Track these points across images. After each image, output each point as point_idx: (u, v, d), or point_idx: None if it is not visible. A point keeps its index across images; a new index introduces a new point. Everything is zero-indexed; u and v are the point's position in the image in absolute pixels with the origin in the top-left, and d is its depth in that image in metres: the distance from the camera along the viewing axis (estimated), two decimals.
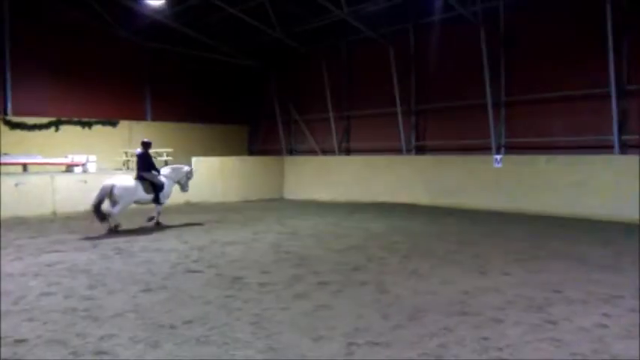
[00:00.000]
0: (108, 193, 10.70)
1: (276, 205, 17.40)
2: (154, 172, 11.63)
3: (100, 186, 10.89)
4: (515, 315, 5.21)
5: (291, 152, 22.11)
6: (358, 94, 19.21)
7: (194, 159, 17.19)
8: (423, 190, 16.13)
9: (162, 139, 19.57)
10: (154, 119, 21.14)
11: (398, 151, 17.70)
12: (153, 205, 11.85)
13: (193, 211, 15.13)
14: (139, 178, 11.38)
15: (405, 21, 16.93)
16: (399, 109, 17.25)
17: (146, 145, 11.82)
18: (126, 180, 11.20)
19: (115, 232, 10.67)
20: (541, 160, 13.64)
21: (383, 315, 5.27)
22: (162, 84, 21.09)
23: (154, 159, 12.08)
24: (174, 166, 12.64)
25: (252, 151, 23.93)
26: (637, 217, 11.47)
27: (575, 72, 13.37)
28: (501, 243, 9.40)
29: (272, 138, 22.86)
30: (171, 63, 21.27)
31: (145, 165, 11.59)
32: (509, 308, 5.44)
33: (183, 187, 12.41)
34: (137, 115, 20.75)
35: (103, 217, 10.62)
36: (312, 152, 20.91)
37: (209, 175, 17.71)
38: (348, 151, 19.89)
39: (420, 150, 17.41)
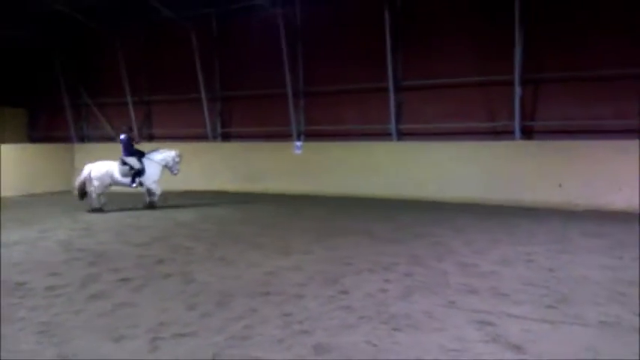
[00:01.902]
0: (87, 177, 12.10)
1: (67, 198, 15.57)
2: (132, 157, 12.28)
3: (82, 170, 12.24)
4: (314, 289, 5.68)
5: (83, 139, 20.00)
6: (161, 78, 18.24)
7: None
8: (230, 177, 16.27)
9: None
10: None
11: (204, 137, 17.45)
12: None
13: None
14: (121, 162, 12.22)
15: (209, 5, 16.62)
16: (203, 95, 16.97)
17: (127, 131, 12.92)
18: (101, 165, 12.21)
19: (96, 212, 11.84)
20: (336, 147, 14.96)
21: (189, 305, 5.21)
22: None
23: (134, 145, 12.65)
24: (162, 150, 12.93)
25: (33, 139, 20.89)
26: (412, 194, 13.48)
27: (364, 67, 14.86)
28: (303, 224, 10.07)
29: (59, 123, 20.30)
30: None
31: (126, 150, 12.32)
32: (309, 284, 5.89)
33: (172, 170, 12.68)
34: None
35: (83, 197, 12.20)
36: (109, 139, 19.23)
37: None
38: (150, 138, 18.84)
39: (226, 137, 17.46)
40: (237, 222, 10.49)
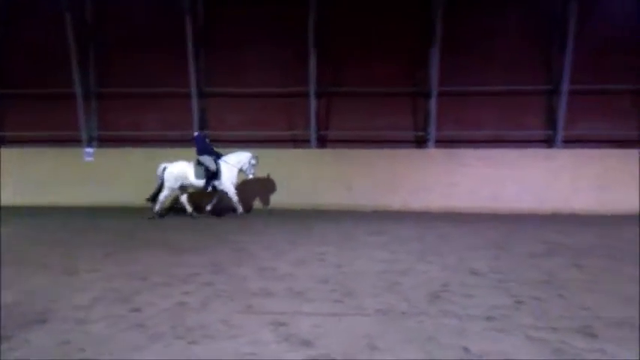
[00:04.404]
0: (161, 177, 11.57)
1: None
2: (208, 155, 11.59)
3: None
4: (101, 310, 5.19)
5: None
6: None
7: None
8: (6, 189, 13.95)
9: None
10: None
11: None
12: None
13: None
14: (197, 162, 11.63)
15: None
16: None
17: (200, 128, 12.96)
18: (177, 165, 11.60)
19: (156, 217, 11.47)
20: (133, 153, 14.03)
21: None
22: None
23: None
24: (236, 152, 12.15)
25: None
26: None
27: (167, 72, 14.25)
28: (93, 239, 9.17)
29: None
30: None
31: (201, 149, 11.65)
32: (95, 305, 5.37)
33: (247, 173, 12.02)
34: None
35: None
36: None
37: None
38: None
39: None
40: (12, 241, 9.03)
